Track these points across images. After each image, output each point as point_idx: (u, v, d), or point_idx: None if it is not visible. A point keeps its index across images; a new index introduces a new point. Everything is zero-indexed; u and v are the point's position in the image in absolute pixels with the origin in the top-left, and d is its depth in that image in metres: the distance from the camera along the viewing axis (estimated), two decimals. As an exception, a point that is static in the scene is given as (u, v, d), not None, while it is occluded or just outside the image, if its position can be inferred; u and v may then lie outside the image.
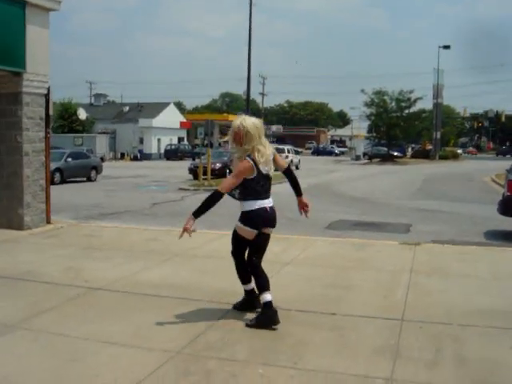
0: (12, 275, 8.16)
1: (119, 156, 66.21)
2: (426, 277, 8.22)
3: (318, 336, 5.72)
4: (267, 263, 8.94)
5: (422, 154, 74.15)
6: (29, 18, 11.59)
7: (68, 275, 8.20)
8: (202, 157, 30.24)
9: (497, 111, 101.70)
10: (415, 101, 63.87)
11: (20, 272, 8.33)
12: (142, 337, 5.67)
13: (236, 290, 7.10)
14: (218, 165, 32.23)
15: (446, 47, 68.65)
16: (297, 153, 55.23)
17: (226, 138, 6.26)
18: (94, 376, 4.75)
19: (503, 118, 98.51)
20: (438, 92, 71.96)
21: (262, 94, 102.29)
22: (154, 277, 8.17)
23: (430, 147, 77.47)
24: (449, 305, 6.78)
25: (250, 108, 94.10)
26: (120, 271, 8.44)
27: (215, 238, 11.24)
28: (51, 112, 12.84)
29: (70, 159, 30.05)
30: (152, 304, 6.82)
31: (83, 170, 31.05)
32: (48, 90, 12.49)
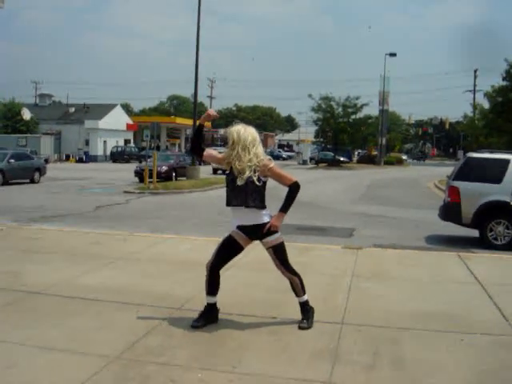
0: None
1: (64, 158, 65.12)
2: (366, 281, 8.35)
3: (258, 340, 5.74)
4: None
5: (368, 160, 75.16)
6: (-31, 15, 11.32)
7: (6, 279, 8.00)
8: (149, 159, 30.00)
9: (441, 118, 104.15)
10: (361, 107, 64.79)
11: (-45, 276, 8.11)
12: (80, 342, 5.59)
13: (178, 295, 7.11)
14: (165, 168, 32.01)
15: (393, 55, 69.89)
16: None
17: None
18: (31, 382, 4.66)
19: (447, 125, 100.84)
20: (383, 99, 73.16)
21: (210, 97, 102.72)
22: (94, 281, 8.05)
23: (375, 153, 78.64)
24: (388, 308, 6.91)
25: (199, 111, 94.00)
26: (60, 275, 8.30)
27: (159, 242, 11.16)
28: (-8, 112, 12.56)
29: (12, 160, 29.38)
30: (91, 308, 6.72)
31: (26, 172, 30.38)
32: (-12, 89, 12.21)
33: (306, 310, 6.31)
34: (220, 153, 6.34)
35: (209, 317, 6.19)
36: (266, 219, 6.03)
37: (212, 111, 6.28)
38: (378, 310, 6.85)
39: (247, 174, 5.81)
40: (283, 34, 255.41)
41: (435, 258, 10.49)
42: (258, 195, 5.91)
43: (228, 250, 6.18)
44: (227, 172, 6.03)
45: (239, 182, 5.84)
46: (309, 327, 6.12)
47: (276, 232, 6.14)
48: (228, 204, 6.06)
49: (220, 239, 6.33)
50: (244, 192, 5.85)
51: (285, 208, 6.13)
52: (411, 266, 9.56)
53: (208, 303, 6.20)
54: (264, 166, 5.88)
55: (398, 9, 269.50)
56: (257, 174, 5.85)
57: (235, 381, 4.74)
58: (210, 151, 6.31)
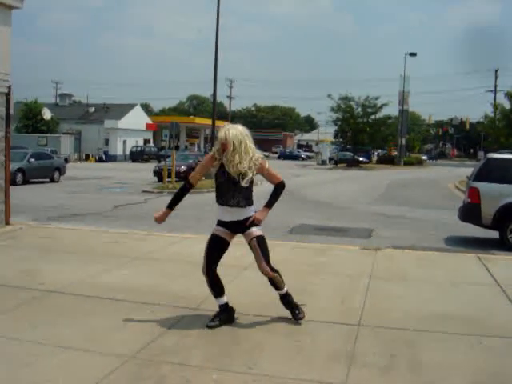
0: (-34, 277, 7.99)
1: (84, 157, 65.52)
2: (384, 282, 8.28)
3: (274, 341, 5.71)
4: (227, 267, 8.91)
5: (387, 160, 74.79)
6: (-10, 15, 11.41)
7: (24, 278, 8.06)
8: (168, 159, 30.06)
9: (461, 119, 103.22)
10: (381, 107, 64.45)
11: (-26, 274, 8.17)
12: (96, 341, 5.59)
13: (194, 295, 7.08)
14: (183, 167, 32.02)
15: (413, 54, 69.38)
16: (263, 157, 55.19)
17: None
18: (46, 381, 4.67)
19: (467, 126, 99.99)
20: (403, 98, 72.74)
21: (230, 98, 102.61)
22: (111, 280, 8.08)
23: (395, 153, 78.23)
24: (406, 310, 6.84)
25: (218, 111, 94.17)
26: (77, 274, 8.33)
27: (176, 242, 11.18)
28: (12, 111, 12.63)
29: (32, 160, 29.61)
30: (108, 308, 6.73)
31: (46, 171, 30.62)
32: (9, 88, 12.29)
33: (290, 300, 6.40)
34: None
35: (224, 317, 6.17)
36: (251, 214, 6.14)
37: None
38: (396, 311, 6.79)
39: (250, 175, 5.96)
40: (303, 34, 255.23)
41: (454, 260, 10.39)
42: (250, 193, 6.13)
43: (216, 249, 6.21)
44: (218, 171, 6.05)
45: (244, 184, 5.93)
46: (304, 316, 6.25)
47: (258, 225, 6.18)
48: (223, 203, 6.08)
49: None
50: (243, 192, 6.00)
51: (270, 204, 6.27)
52: (430, 268, 9.47)
53: (220, 305, 6.21)
54: (261, 165, 6.08)
55: (418, 8, 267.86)
56: (254, 173, 6.02)
57: (250, 382, 4.71)
58: (192, 174, 6.33)
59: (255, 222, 6.13)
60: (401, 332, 6.03)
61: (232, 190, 5.97)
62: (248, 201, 6.08)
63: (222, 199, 6.08)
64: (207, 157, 6.22)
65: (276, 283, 6.36)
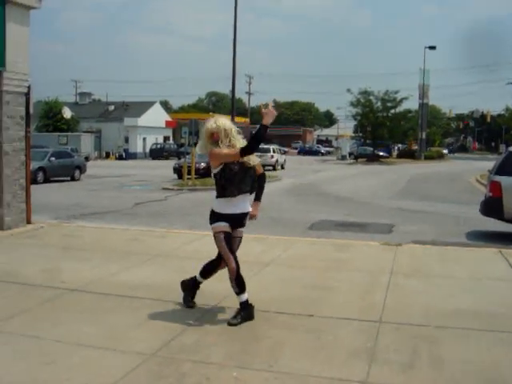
0: (-12, 276, 8.06)
1: (104, 155, 65.87)
2: (405, 278, 8.22)
3: (294, 338, 5.68)
4: (247, 264, 8.91)
5: (408, 154, 74.37)
6: (8, 15, 11.45)
7: (45, 276, 8.11)
8: (187, 156, 30.11)
9: (482, 112, 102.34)
10: (401, 101, 63.93)
11: (-3, 273, 8.24)
12: (116, 339, 5.61)
13: (215, 292, 7.07)
14: (203, 164, 31.99)
15: (432, 48, 68.76)
16: (282, 152, 55.20)
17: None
18: (66, 380, 4.68)
19: (488, 119, 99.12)
20: (423, 92, 72.21)
21: (249, 93, 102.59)
22: (131, 278, 8.10)
23: (415, 147, 77.74)
24: (427, 306, 6.77)
25: (237, 107, 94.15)
26: (98, 272, 8.36)
27: (196, 239, 11.18)
28: (32, 111, 12.72)
29: (53, 158, 29.81)
30: (128, 305, 6.75)
31: (67, 170, 30.83)
32: (28, 88, 12.37)
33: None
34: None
35: (245, 314, 6.16)
36: (250, 207, 6.33)
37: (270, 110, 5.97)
38: (417, 307, 6.72)
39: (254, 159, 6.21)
40: (322, 28, 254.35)
41: (476, 255, 10.29)
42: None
43: (231, 244, 6.22)
44: (236, 162, 6.04)
45: (252, 164, 6.15)
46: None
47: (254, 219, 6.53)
48: (239, 192, 6.10)
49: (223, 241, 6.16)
50: (251, 178, 6.20)
51: (260, 198, 6.50)
52: (451, 263, 9.38)
53: (241, 302, 6.19)
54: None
55: (437, 0, 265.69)
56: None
57: (271, 380, 4.69)
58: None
59: (252, 219, 6.44)
60: (422, 328, 5.97)
61: (247, 176, 6.14)
62: (254, 186, 6.29)
63: (237, 189, 6.08)
64: (216, 149, 6.07)
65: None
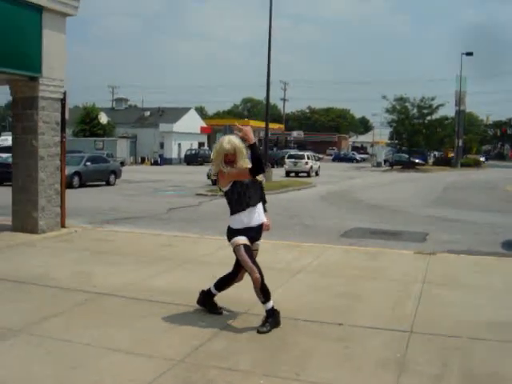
0: (22, 279, 8.18)
1: (139, 160, 66.51)
2: (438, 287, 8.09)
3: (323, 347, 5.64)
4: (278, 271, 8.95)
5: (444, 162, 73.58)
6: (45, 23, 11.67)
7: (77, 280, 8.19)
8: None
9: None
10: (437, 107, 63.34)
11: (30, 276, 8.35)
12: (146, 344, 5.63)
13: (245, 298, 7.04)
14: (263, 178, 32.11)
15: (469, 54, 67.99)
16: (317, 159, 55.08)
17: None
18: (93, 383, 4.71)
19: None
20: (460, 99, 71.34)
21: (284, 100, 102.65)
22: (163, 283, 8.14)
23: (451, 155, 76.83)
24: (459, 317, 6.66)
25: (272, 113, 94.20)
26: (129, 277, 8.43)
27: (227, 245, 11.11)
28: (67, 116, 12.90)
29: (88, 163, 30.17)
30: (158, 310, 6.77)
31: (102, 174, 31.17)
32: (64, 94, 12.55)
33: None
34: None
35: (273, 321, 6.15)
36: (264, 217, 6.40)
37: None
38: (450, 318, 6.61)
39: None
40: (358, 35, 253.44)
41: (511, 265, 10.10)
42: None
43: (252, 256, 6.21)
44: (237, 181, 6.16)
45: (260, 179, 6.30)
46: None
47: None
48: (253, 204, 6.20)
49: (243, 253, 6.14)
50: (259, 190, 6.35)
51: (266, 209, 6.56)
52: (485, 273, 9.22)
53: (268, 310, 6.18)
54: None
55: (475, 6, 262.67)
56: None
57: (297, 389, 4.66)
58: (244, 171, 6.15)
59: (266, 229, 6.51)
60: (454, 340, 5.86)
61: (256, 189, 6.26)
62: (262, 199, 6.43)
63: (250, 202, 6.17)
64: (228, 171, 6.12)
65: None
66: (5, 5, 10.83)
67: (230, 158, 6.09)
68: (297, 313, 6.71)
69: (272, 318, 6.14)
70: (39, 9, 11.50)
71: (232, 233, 6.25)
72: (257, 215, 6.23)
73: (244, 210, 6.14)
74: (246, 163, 6.11)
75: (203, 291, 6.78)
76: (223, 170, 6.09)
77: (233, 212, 6.23)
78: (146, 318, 6.50)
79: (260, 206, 6.32)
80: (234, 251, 6.23)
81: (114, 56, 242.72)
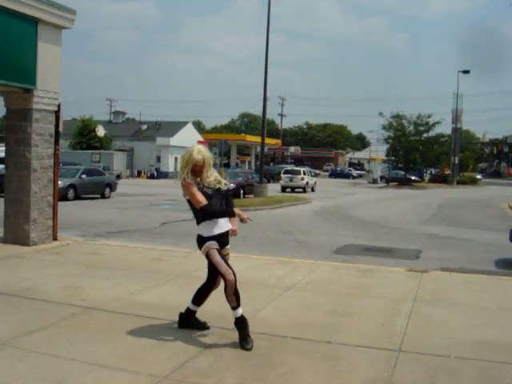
0: (10, 292, 8.10)
1: (136, 173, 66.45)
2: (428, 306, 8.05)
3: (310, 365, 5.58)
4: (269, 287, 8.89)
5: (440, 179, 73.65)
6: (41, 35, 11.67)
7: (66, 293, 8.13)
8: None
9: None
10: (433, 125, 63.72)
11: (19, 289, 8.28)
12: (131, 360, 5.57)
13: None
14: (232, 185, 31.87)
15: (466, 72, 68.28)
16: (313, 175, 55.11)
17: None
18: (76, 400, 4.65)
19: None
20: (456, 116, 71.49)
21: (281, 115, 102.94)
22: (151, 298, 8.08)
23: (448, 172, 76.95)
24: (449, 336, 6.61)
25: (269, 129, 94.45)
26: (118, 291, 8.36)
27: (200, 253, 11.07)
28: (61, 129, 12.86)
29: (84, 176, 30.10)
30: (146, 326, 6.70)
31: (97, 187, 31.09)
32: (58, 106, 12.52)
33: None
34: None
35: (241, 328, 6.10)
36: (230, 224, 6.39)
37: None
38: (439, 337, 6.56)
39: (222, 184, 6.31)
40: (356, 52, 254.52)
41: (505, 284, 10.06)
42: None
43: (225, 259, 6.23)
44: (201, 190, 6.18)
45: (224, 188, 6.30)
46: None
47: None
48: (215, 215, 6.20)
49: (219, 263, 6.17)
50: (224, 197, 6.32)
51: (234, 213, 6.33)
52: (478, 292, 9.17)
53: (238, 317, 6.13)
54: None
55: (474, 25, 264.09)
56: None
57: (282, 408, 4.60)
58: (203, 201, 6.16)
59: (234, 234, 6.48)
60: (442, 359, 5.81)
61: (220, 198, 6.22)
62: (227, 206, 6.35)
63: (214, 211, 6.15)
64: (191, 185, 6.17)
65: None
66: (0, 17, 10.82)
67: (198, 169, 6.13)
68: (285, 330, 6.65)
69: (240, 326, 6.08)
70: (34, 21, 11.50)
71: (202, 240, 6.23)
72: (223, 221, 6.24)
73: (209, 218, 6.14)
74: (211, 174, 6.20)
75: (181, 314, 6.69)
76: (187, 182, 6.14)
77: (199, 221, 6.23)
78: (133, 333, 6.43)
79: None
80: (207, 256, 6.21)
81: (113, 69, 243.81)
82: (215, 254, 6.14)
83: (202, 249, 6.24)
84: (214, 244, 6.16)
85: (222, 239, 6.27)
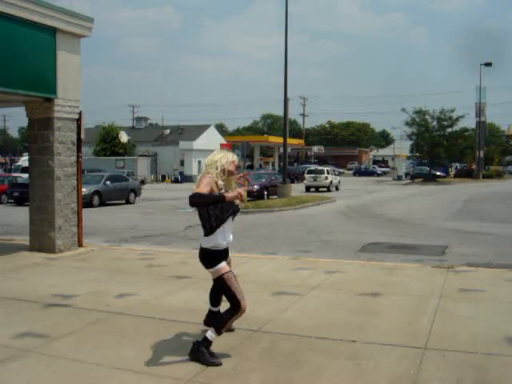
0: (37, 299, 8.21)
1: (160, 178, 66.80)
2: (455, 302, 7.96)
3: (334, 365, 5.55)
4: (294, 287, 8.88)
5: (466, 174, 72.94)
6: (59, 44, 11.80)
7: (91, 299, 8.20)
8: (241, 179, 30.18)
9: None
10: (457, 119, 62.98)
11: (45, 295, 8.38)
12: (156, 363, 5.59)
13: (258, 316, 7.00)
14: (256, 187, 32.15)
15: (488, 64, 67.53)
16: (337, 174, 54.90)
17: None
18: (101, 405, 4.68)
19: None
20: (480, 110, 70.74)
21: (303, 115, 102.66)
22: (176, 301, 8.11)
23: (475, 166, 76.18)
24: (475, 332, 6.53)
25: (292, 129, 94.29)
26: (143, 295, 8.41)
27: (243, 262, 11.08)
28: (83, 136, 12.97)
29: (108, 182, 30.33)
30: (171, 329, 6.72)
31: (122, 193, 31.30)
32: (79, 114, 12.64)
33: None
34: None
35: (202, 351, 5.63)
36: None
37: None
38: (465, 333, 6.49)
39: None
40: (376, 48, 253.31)
41: (532, 278, 9.92)
42: None
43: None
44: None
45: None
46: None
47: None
48: (223, 221, 5.70)
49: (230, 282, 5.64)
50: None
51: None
52: (505, 287, 9.06)
53: (212, 340, 5.65)
54: None
55: (496, 16, 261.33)
56: None
57: (307, 408, 4.58)
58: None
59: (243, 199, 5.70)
60: (470, 356, 5.74)
61: (231, 207, 5.75)
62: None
63: (225, 221, 5.69)
64: (208, 178, 5.64)
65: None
66: (19, 28, 10.96)
67: (230, 174, 5.85)
68: (310, 330, 6.63)
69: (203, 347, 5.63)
70: (53, 30, 11.63)
71: (211, 258, 5.69)
72: (230, 234, 5.86)
73: (222, 226, 5.65)
74: (234, 188, 5.82)
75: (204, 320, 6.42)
76: (207, 175, 5.65)
77: (212, 230, 5.66)
78: (159, 336, 6.45)
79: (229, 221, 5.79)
80: (219, 280, 5.64)
81: (134, 76, 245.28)
82: (232, 281, 5.61)
83: (213, 270, 5.66)
84: (225, 266, 5.65)
85: (227, 255, 5.87)
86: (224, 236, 5.69)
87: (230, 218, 5.76)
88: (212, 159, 5.83)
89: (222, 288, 5.67)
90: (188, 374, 5.28)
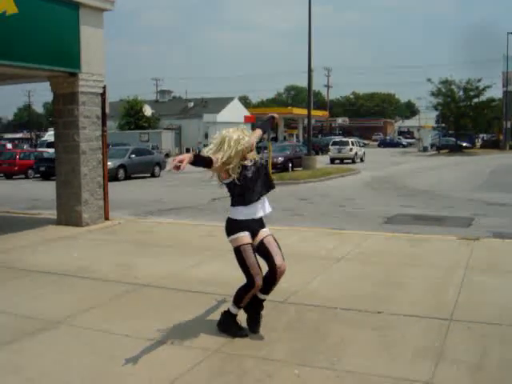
0: (65, 272, 8.34)
1: (185, 151, 66.93)
2: (480, 274, 7.92)
3: (360, 336, 5.58)
4: (319, 259, 8.91)
5: (492, 145, 72.03)
6: (82, 19, 11.81)
7: (119, 272, 8.31)
8: (265, 151, 30.17)
9: None
10: (484, 89, 62.00)
11: (73, 268, 8.51)
12: (182, 334, 5.66)
13: (283, 288, 6.99)
14: (281, 159, 32.12)
15: (516, 33, 66.28)
16: (362, 145, 54.56)
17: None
18: (129, 374, 4.76)
19: None
20: (507, 79, 69.56)
21: (327, 86, 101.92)
22: (203, 273, 8.19)
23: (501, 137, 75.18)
24: (502, 304, 6.50)
25: (316, 100, 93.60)
26: (170, 267, 8.50)
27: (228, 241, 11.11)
28: (107, 110, 13.03)
29: (133, 156, 30.51)
30: (197, 301, 6.80)
31: (147, 166, 31.49)
32: (104, 88, 12.68)
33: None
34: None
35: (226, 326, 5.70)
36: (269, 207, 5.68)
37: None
38: (491, 305, 6.46)
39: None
40: (400, 19, 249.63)
41: (560, 249, 9.84)
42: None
43: (254, 257, 5.47)
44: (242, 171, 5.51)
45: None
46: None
47: None
48: (257, 198, 5.50)
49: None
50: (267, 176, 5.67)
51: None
52: (532, 258, 9.00)
53: (235, 314, 5.66)
54: None
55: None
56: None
57: (332, 378, 4.62)
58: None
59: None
60: (495, 327, 5.73)
61: (260, 178, 5.55)
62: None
63: (254, 194, 5.48)
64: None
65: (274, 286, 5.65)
66: (42, 3, 10.99)
67: (245, 153, 5.57)
68: (336, 301, 6.66)
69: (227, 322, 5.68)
70: (76, 5, 11.64)
71: (233, 225, 5.54)
72: (262, 207, 5.58)
73: (247, 204, 5.49)
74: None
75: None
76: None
77: (235, 202, 5.60)
78: (186, 308, 6.53)
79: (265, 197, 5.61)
80: (235, 251, 5.50)
81: (157, 49, 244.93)
82: (248, 253, 5.42)
83: (230, 239, 5.56)
84: (246, 238, 5.44)
85: (257, 226, 5.55)
86: (248, 208, 5.49)
87: (259, 191, 5.51)
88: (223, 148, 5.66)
89: (237, 260, 5.53)
90: (215, 344, 5.35)
